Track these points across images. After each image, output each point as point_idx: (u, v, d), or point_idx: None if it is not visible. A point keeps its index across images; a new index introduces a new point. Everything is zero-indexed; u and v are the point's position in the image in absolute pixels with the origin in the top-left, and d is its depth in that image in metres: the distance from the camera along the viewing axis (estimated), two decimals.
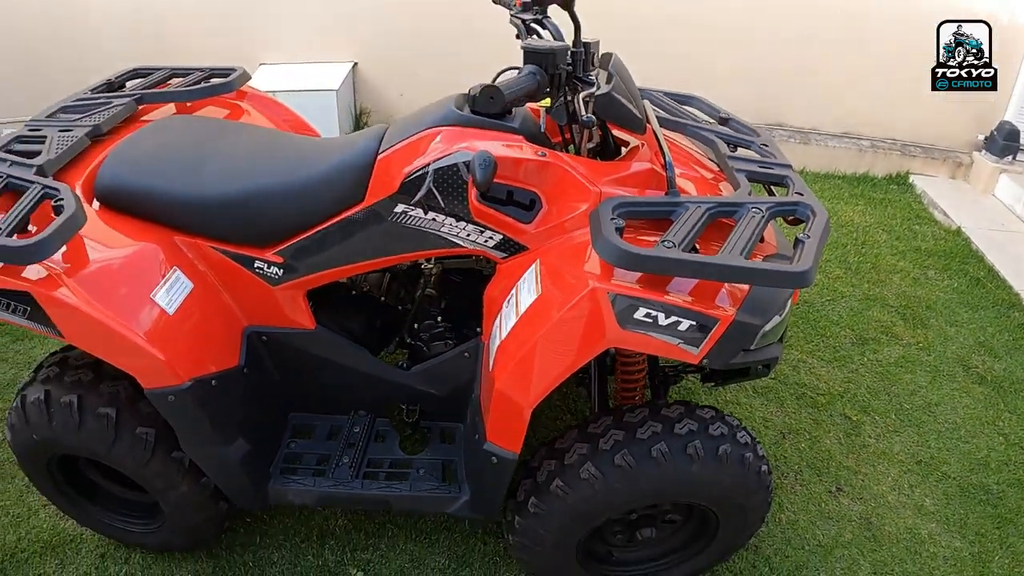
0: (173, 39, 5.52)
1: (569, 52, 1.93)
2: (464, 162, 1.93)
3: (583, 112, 1.81)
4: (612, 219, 1.77)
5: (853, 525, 2.79)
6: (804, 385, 3.40)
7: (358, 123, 5.70)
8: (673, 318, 1.74)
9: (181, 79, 2.80)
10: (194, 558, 2.66)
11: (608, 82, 1.94)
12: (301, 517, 2.78)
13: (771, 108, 5.30)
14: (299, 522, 2.77)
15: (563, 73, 1.91)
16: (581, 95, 1.84)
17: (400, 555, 2.66)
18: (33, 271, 1.93)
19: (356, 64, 5.62)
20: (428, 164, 1.97)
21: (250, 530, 2.74)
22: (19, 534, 2.75)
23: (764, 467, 2.14)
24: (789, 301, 1.94)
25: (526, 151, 1.95)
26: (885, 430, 3.19)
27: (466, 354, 2.33)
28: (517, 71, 1.95)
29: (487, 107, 1.86)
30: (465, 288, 2.47)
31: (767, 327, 1.83)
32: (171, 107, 2.69)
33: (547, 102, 2.04)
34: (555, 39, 2.09)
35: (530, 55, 1.88)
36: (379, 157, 2.08)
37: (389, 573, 2.60)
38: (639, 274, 1.77)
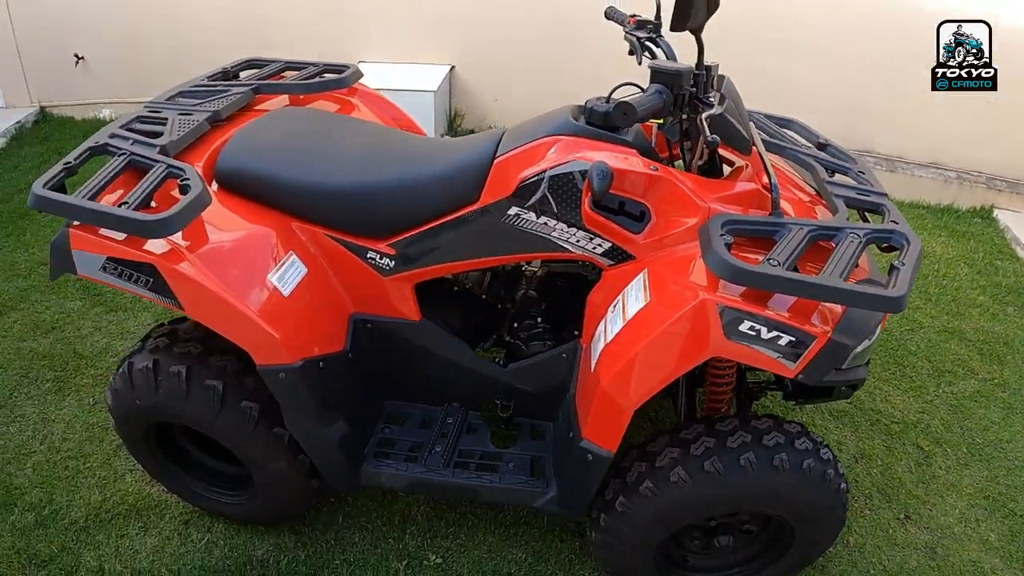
0: (275, 34, 5.63)
1: (692, 74, 1.97)
2: (580, 171, 1.99)
3: (707, 132, 1.85)
4: (721, 235, 1.83)
5: (918, 553, 2.80)
6: (879, 412, 3.40)
7: (452, 125, 5.75)
8: (774, 332, 1.79)
9: (296, 72, 2.89)
10: (276, 532, 2.74)
11: (720, 103, 2.00)
12: (384, 501, 2.85)
13: (860, 134, 5.25)
14: (382, 506, 2.83)
15: (686, 93, 1.95)
16: (703, 115, 1.89)
17: (479, 546, 2.71)
18: (157, 245, 2.02)
19: (453, 67, 5.64)
20: (544, 171, 2.03)
21: (333, 510, 2.82)
22: (104, 495, 2.86)
23: (843, 485, 2.18)
24: (879, 325, 1.96)
25: (639, 165, 2.01)
26: (956, 462, 3.19)
27: (564, 355, 2.38)
28: (638, 88, 2.01)
29: (620, 122, 1.91)
30: (566, 291, 2.53)
31: (859, 348, 1.86)
32: (284, 98, 2.77)
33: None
34: (668, 58, 2.15)
35: (657, 75, 1.93)
36: (496, 160, 2.14)
37: (467, 562, 2.66)
38: (743, 288, 1.82)
